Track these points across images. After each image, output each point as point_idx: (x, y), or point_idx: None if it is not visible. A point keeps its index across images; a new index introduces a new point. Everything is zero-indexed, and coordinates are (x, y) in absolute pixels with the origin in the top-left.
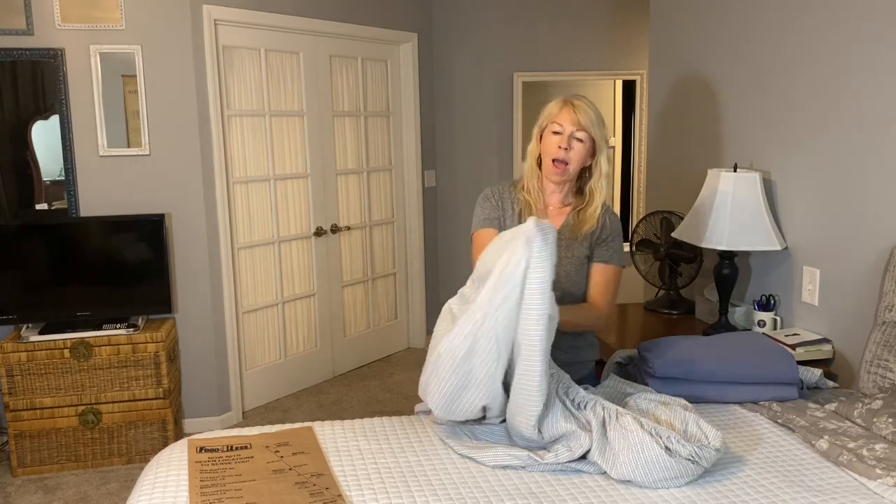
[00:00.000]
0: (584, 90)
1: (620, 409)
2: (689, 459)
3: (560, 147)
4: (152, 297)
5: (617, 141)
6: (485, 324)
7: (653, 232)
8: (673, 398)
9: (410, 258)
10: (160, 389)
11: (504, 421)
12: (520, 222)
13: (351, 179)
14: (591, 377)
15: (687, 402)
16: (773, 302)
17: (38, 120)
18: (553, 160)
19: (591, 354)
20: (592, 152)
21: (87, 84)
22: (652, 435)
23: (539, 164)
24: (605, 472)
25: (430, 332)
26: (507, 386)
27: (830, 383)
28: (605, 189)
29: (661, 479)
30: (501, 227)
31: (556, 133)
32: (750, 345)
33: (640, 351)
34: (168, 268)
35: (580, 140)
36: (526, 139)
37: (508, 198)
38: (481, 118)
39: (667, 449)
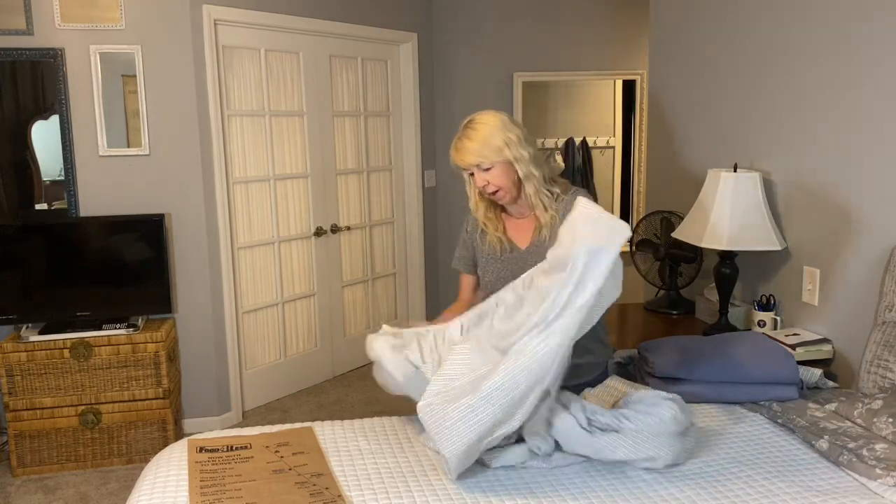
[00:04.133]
0: (584, 90)
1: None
2: (605, 429)
3: (481, 186)
4: (152, 297)
5: (617, 141)
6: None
7: (653, 232)
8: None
9: (410, 258)
10: (160, 389)
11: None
12: (484, 247)
13: (351, 179)
14: (601, 378)
15: (676, 396)
16: (773, 302)
17: (38, 120)
18: (489, 195)
19: (603, 356)
20: (510, 165)
21: (87, 84)
22: (572, 412)
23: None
24: (611, 469)
25: None
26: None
27: (830, 383)
28: (542, 191)
29: (577, 443)
30: (472, 265)
31: (470, 174)
32: (750, 345)
33: (640, 351)
34: (168, 268)
35: (486, 169)
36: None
37: (478, 228)
38: None
39: (588, 421)
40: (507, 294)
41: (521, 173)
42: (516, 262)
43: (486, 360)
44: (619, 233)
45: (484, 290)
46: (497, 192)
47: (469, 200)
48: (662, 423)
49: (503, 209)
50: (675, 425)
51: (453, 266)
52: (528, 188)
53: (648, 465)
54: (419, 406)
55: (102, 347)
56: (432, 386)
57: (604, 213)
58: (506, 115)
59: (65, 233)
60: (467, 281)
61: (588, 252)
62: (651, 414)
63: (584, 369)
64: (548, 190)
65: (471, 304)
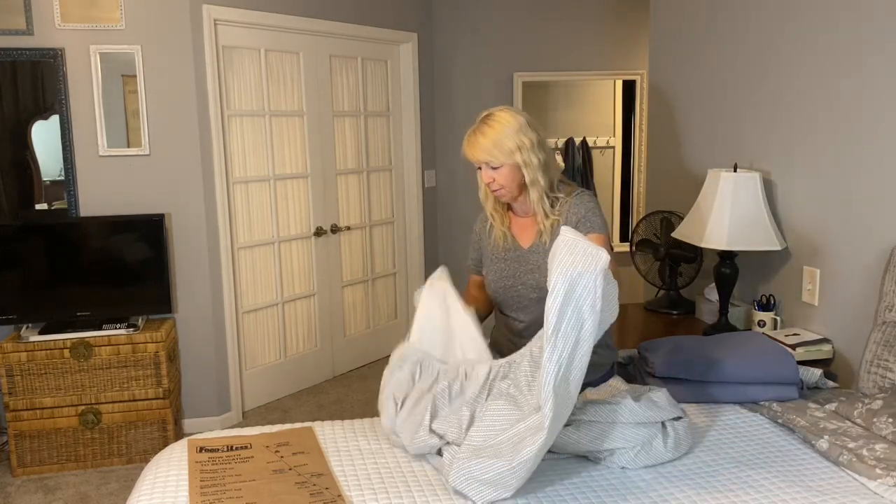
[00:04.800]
0: (584, 90)
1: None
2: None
3: (487, 182)
4: (152, 297)
5: (617, 141)
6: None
7: (653, 232)
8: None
9: (410, 258)
10: (160, 389)
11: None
12: (490, 243)
13: (351, 179)
14: (604, 380)
15: (656, 389)
16: (773, 302)
17: (38, 120)
18: (493, 191)
19: (608, 357)
20: (518, 169)
21: (87, 84)
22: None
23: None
24: (611, 469)
25: None
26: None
27: (830, 383)
28: (545, 198)
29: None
30: (480, 265)
31: (478, 167)
32: (750, 345)
33: (640, 351)
34: (168, 268)
35: (495, 167)
36: None
37: (486, 225)
38: None
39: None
40: (535, 341)
41: (527, 179)
42: (518, 262)
43: (521, 414)
44: (597, 258)
45: (487, 289)
46: (500, 189)
47: (479, 191)
48: (614, 412)
49: (510, 207)
50: (629, 414)
51: (469, 271)
52: (532, 194)
53: (623, 464)
54: (456, 457)
55: (102, 347)
56: (471, 440)
57: (581, 240)
58: (525, 116)
59: (65, 233)
60: (473, 280)
61: (567, 279)
62: (602, 404)
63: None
64: (553, 197)
65: (479, 301)
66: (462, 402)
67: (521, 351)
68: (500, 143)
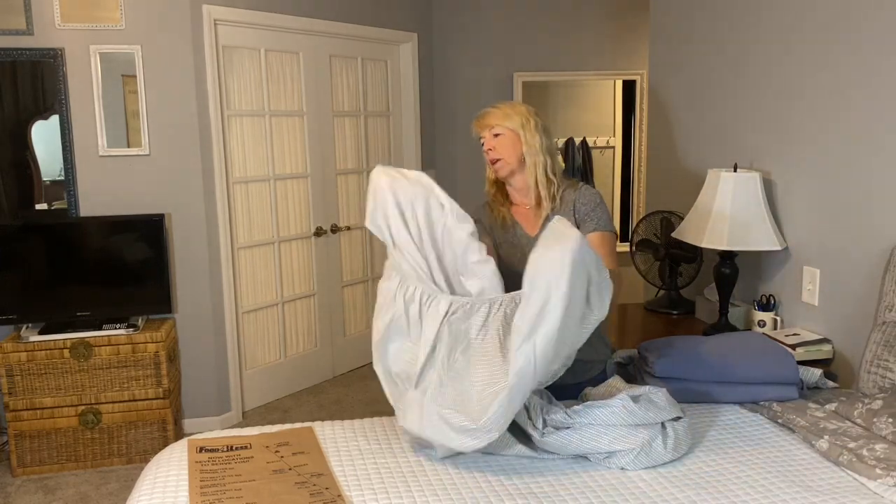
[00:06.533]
0: (584, 90)
1: None
2: (558, 427)
3: (486, 150)
4: (152, 297)
5: (617, 141)
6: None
7: (653, 232)
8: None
9: None
10: (160, 389)
11: None
12: (497, 227)
13: (351, 179)
14: (601, 377)
15: (653, 389)
16: (773, 302)
17: (38, 120)
18: (491, 162)
19: (603, 353)
20: (518, 140)
21: (87, 84)
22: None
23: (497, 182)
24: (611, 469)
25: None
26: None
27: (830, 383)
28: (542, 173)
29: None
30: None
31: (483, 144)
32: (750, 345)
33: (640, 351)
34: (168, 268)
35: (498, 134)
36: None
37: (485, 218)
38: None
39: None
40: (506, 297)
41: (524, 148)
42: (529, 250)
43: (491, 377)
44: (569, 238)
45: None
46: (499, 161)
47: (485, 183)
48: (614, 414)
49: (511, 202)
50: (627, 416)
51: None
52: (529, 169)
53: (623, 465)
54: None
55: (102, 347)
56: (432, 392)
57: (562, 226)
58: (536, 111)
59: (65, 233)
60: None
61: (536, 256)
62: (601, 406)
63: (584, 366)
64: (556, 183)
65: None
66: (418, 334)
67: (485, 298)
68: (509, 115)
